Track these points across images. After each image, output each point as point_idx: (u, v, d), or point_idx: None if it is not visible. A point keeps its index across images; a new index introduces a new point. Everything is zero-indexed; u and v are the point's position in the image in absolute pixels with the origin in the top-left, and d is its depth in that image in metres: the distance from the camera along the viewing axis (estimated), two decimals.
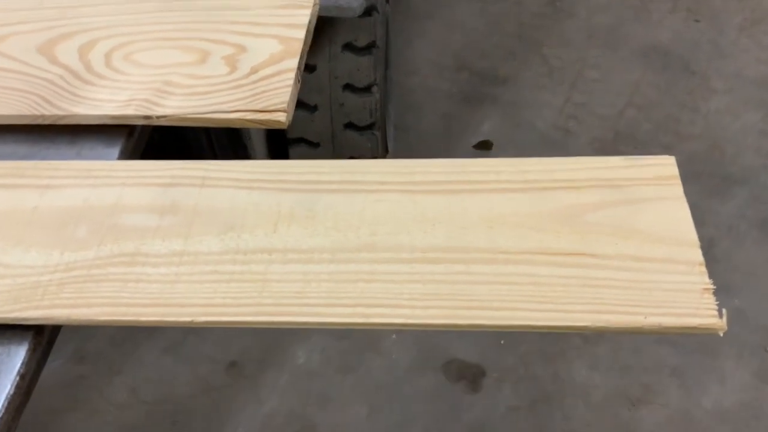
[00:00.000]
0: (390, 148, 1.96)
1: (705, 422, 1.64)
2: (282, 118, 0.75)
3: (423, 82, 2.31)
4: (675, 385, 1.68)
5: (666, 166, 0.66)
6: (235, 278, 0.61)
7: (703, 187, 2.02)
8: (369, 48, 1.66)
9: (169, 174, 0.70)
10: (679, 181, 0.65)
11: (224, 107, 0.76)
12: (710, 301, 0.57)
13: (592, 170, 0.66)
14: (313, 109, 1.74)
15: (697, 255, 0.59)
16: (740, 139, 2.11)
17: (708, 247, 1.93)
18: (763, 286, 1.84)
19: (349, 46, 1.64)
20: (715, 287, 0.57)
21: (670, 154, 2.16)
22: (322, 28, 1.62)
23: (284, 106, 0.75)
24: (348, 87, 1.72)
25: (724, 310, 0.56)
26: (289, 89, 0.77)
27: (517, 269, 0.60)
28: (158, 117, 0.75)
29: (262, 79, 0.79)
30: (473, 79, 2.31)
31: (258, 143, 1.70)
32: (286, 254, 0.62)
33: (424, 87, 2.31)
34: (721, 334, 0.55)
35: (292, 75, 0.79)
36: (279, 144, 1.78)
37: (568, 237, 0.62)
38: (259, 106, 0.75)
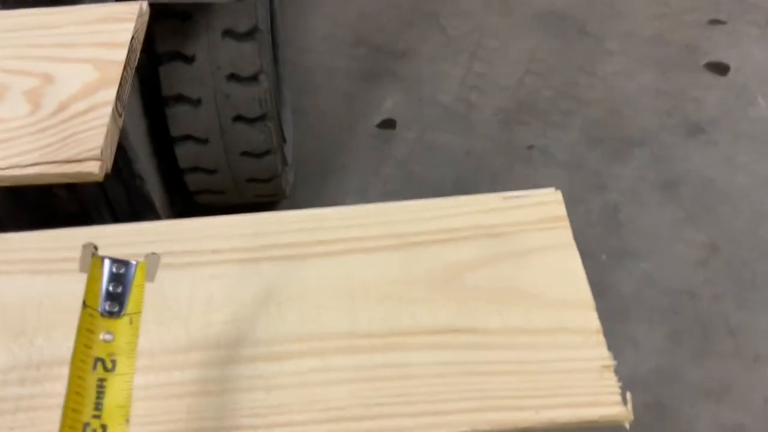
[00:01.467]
0: (288, 137, 1.79)
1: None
2: (94, 168, 0.58)
3: (319, 60, 2.14)
4: None
5: (551, 203, 0.53)
6: (23, 406, 0.45)
7: (605, 151, 1.93)
8: (251, 33, 1.47)
9: None
10: (566, 223, 0.52)
11: (22, 160, 0.59)
12: (611, 382, 0.45)
13: (470, 215, 0.53)
14: (197, 103, 1.55)
15: (593, 320, 0.47)
16: (637, 100, 2.03)
17: (613, 212, 1.85)
18: (668, 249, 1.77)
19: (229, 33, 1.45)
20: (616, 362, 0.45)
21: (571, 120, 2.03)
22: (198, 14, 1.43)
23: (97, 152, 0.59)
24: (233, 77, 1.53)
25: (629, 395, 0.44)
26: (104, 129, 0.61)
27: (384, 359, 0.46)
28: None
29: (71, 118, 0.61)
30: (371, 54, 2.15)
31: (142, 152, 1.51)
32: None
33: (321, 65, 2.13)
34: (627, 426, 0.44)
35: (108, 110, 0.62)
36: (164, 143, 1.59)
37: (445, 308, 0.48)
38: (64, 155, 0.59)
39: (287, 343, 0.47)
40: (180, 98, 1.52)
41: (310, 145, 1.95)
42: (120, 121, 0.62)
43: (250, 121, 1.59)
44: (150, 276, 0.41)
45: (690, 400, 1.58)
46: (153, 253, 0.41)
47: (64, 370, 0.44)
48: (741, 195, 1.85)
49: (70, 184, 1.52)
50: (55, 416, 0.42)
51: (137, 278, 0.40)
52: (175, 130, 1.57)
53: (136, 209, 1.57)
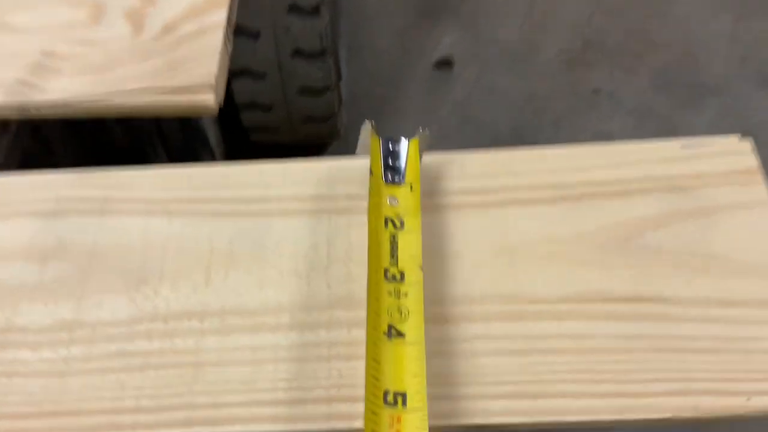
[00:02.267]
0: (343, 74, 1.71)
1: None
2: (209, 99, 0.52)
3: None
4: None
5: (741, 154, 0.46)
6: (152, 363, 0.40)
7: (676, 98, 1.83)
8: None
9: (53, 196, 0.47)
10: (761, 176, 0.45)
11: (126, 88, 0.52)
12: None
13: (643, 164, 0.46)
14: (255, 35, 1.47)
15: None
16: (711, 46, 1.91)
17: None
18: None
19: None
20: None
21: (640, 64, 1.92)
22: None
23: (211, 80, 0.52)
24: (293, 8, 1.44)
25: None
26: (217, 54, 0.54)
27: (558, 328, 0.40)
28: (37, 107, 0.52)
29: (179, 41, 0.55)
30: None
31: None
32: (225, 318, 0.42)
33: (378, 0, 2.03)
34: None
35: (220, 33, 0.55)
36: None
37: (625, 272, 0.42)
38: (173, 82, 0.52)
39: (448, 304, 0.41)
40: (238, 30, 1.44)
41: (364, 84, 1.86)
42: (230, 48, 0.55)
43: (310, 56, 1.51)
44: (423, 149, 0.46)
45: None
46: (422, 130, 0.46)
47: (195, 324, 0.38)
48: None
49: (123, 119, 1.47)
50: (187, 374, 0.37)
51: (411, 151, 0.45)
52: (233, 63, 1.49)
53: (191, 145, 1.51)
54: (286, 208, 0.46)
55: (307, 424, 0.37)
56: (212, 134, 1.56)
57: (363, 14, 1.97)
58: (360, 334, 0.40)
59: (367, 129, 0.46)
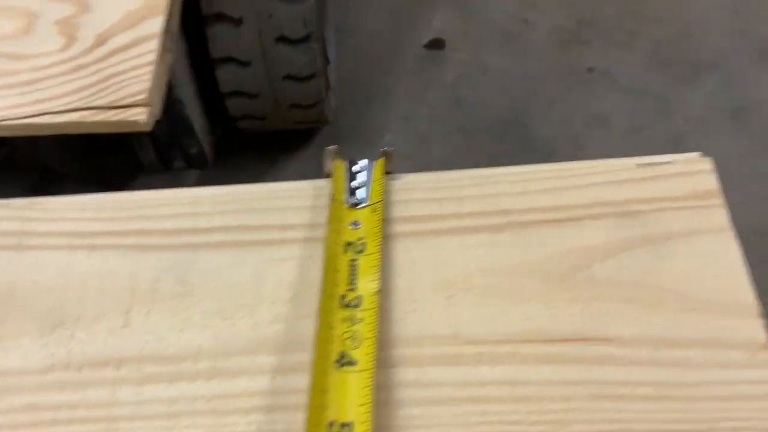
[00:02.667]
0: (331, 58, 1.66)
1: None
2: (141, 115, 0.49)
3: None
4: None
5: (699, 174, 0.43)
6: (61, 419, 0.37)
7: (672, 75, 1.78)
8: None
9: None
10: (720, 199, 0.42)
11: (56, 105, 0.49)
12: None
13: (594, 187, 0.42)
14: (238, 22, 1.43)
15: (758, 330, 0.37)
16: (707, 20, 1.85)
17: (678, 141, 1.71)
18: (735, 182, 1.64)
19: None
20: None
21: (635, 40, 1.86)
22: None
23: (143, 97, 0.49)
24: None
25: None
26: (151, 67, 0.51)
27: (495, 373, 0.37)
28: None
29: (111, 54, 0.52)
30: None
31: (182, 75, 1.40)
32: (143, 366, 0.39)
33: None
34: None
35: (155, 44, 0.52)
36: (204, 64, 1.48)
37: (568, 308, 0.39)
38: (105, 100, 0.49)
39: (381, 347, 0.38)
40: (220, 17, 1.40)
41: (353, 67, 1.82)
42: (169, 57, 0.52)
43: (294, 42, 1.47)
44: (390, 168, 0.45)
45: None
46: (388, 149, 0.45)
47: (110, 374, 0.36)
48: None
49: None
50: (99, 430, 0.34)
51: (376, 172, 0.44)
52: (216, 51, 1.45)
53: (176, 134, 1.48)
54: (214, 240, 0.43)
55: None
56: (198, 124, 1.53)
57: None
58: (283, 381, 0.38)
59: (329, 153, 0.45)
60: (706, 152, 1.53)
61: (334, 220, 0.41)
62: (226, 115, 1.55)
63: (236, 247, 0.42)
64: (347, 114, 1.73)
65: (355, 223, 0.40)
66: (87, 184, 1.51)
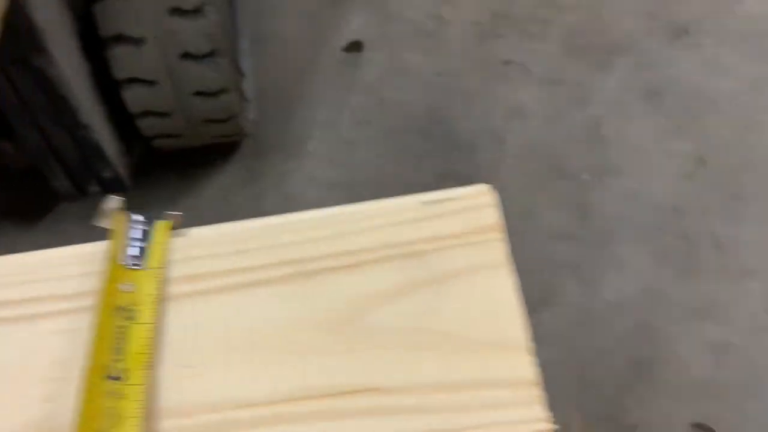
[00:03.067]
0: (246, 69, 1.64)
1: (607, 315, 1.50)
2: None
3: None
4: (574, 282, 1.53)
5: (482, 208, 0.42)
6: None
7: (586, 61, 1.79)
8: None
9: None
10: (500, 233, 0.42)
11: None
12: None
13: (379, 230, 0.42)
14: (139, 42, 1.40)
15: (528, 367, 0.37)
16: (618, 3, 1.86)
17: (595, 127, 1.73)
18: (653, 163, 1.67)
19: None
20: (557, 427, 0.35)
21: (549, 29, 1.86)
22: None
23: None
24: (176, 11, 1.37)
25: None
26: None
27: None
28: None
29: None
30: None
31: (85, 99, 1.38)
32: None
33: None
34: None
35: None
36: (110, 85, 1.45)
37: (343, 359, 0.38)
38: None
39: (156, 418, 0.37)
40: (120, 38, 1.37)
41: (272, 76, 1.80)
42: None
43: (199, 58, 1.44)
44: (177, 232, 0.43)
45: (677, 319, 1.51)
46: (175, 214, 0.44)
47: None
48: (728, 101, 1.73)
49: (11, 137, 1.41)
50: None
51: (158, 236, 0.42)
52: (119, 73, 1.43)
53: (87, 159, 1.46)
54: None
55: None
56: (110, 147, 1.51)
57: (266, 2, 1.90)
58: None
59: (110, 205, 0.43)
60: (624, 135, 1.54)
61: (106, 279, 0.40)
62: (140, 135, 1.53)
63: (4, 323, 0.41)
64: (269, 124, 1.71)
65: (129, 284, 0.39)
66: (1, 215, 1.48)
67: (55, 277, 0.42)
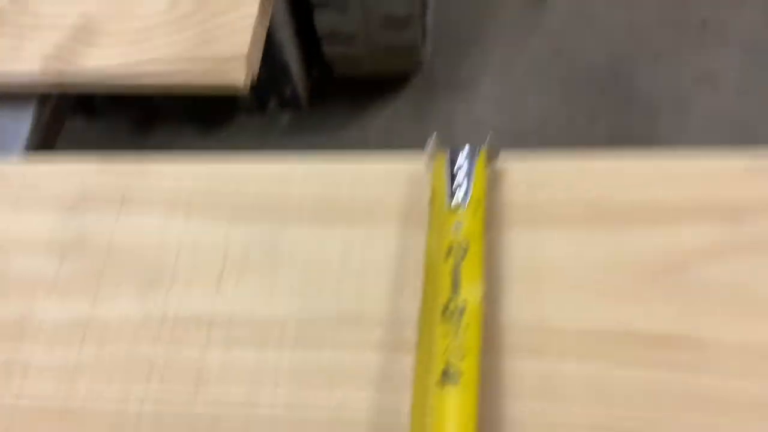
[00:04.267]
0: (429, 4, 1.62)
1: None
2: (239, 72, 0.49)
3: None
4: None
5: None
6: (157, 370, 0.39)
7: None
8: None
9: (77, 187, 0.46)
10: None
11: (162, 56, 0.50)
12: None
13: (700, 185, 0.40)
14: None
15: None
16: None
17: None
18: None
19: None
20: None
21: None
22: None
23: (243, 50, 0.49)
24: None
25: None
26: (250, 30, 0.51)
27: (576, 369, 0.36)
28: (72, 82, 0.50)
29: (213, 16, 0.52)
30: None
31: (281, 19, 1.40)
32: (231, 329, 0.40)
33: None
34: None
35: (254, 8, 0.52)
36: (303, 8, 1.47)
37: (662, 310, 0.37)
38: (206, 53, 0.49)
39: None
40: None
41: (452, 13, 1.77)
42: (267, 20, 0.52)
43: None
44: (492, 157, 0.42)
45: None
46: (493, 143, 0.41)
47: (194, 335, 0.37)
48: None
49: None
50: (187, 390, 0.36)
51: (479, 166, 0.40)
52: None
53: (273, 76, 1.50)
54: (303, 214, 0.43)
55: None
56: (294, 67, 1.54)
57: None
58: (363, 357, 0.38)
59: (432, 144, 0.42)
60: None
61: (435, 223, 0.39)
62: (322, 59, 1.55)
63: (323, 222, 0.42)
64: (442, 62, 1.69)
65: (457, 226, 0.38)
66: (185, 120, 1.55)
67: (371, 185, 0.43)
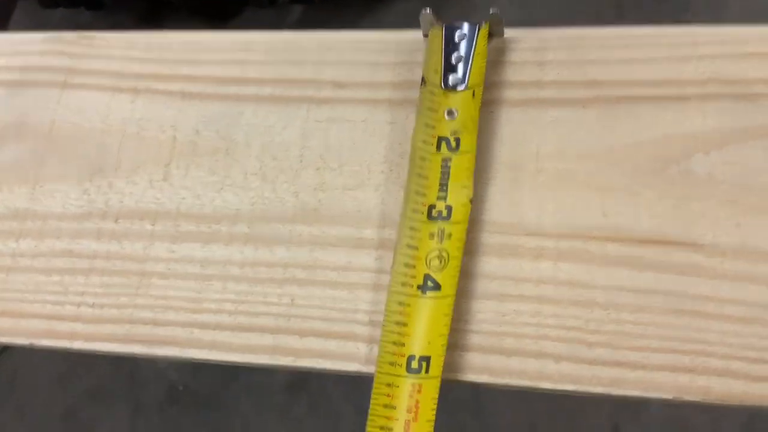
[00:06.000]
0: None
1: None
2: None
3: None
4: None
5: None
6: (97, 266, 0.36)
7: None
8: None
9: (20, 62, 0.42)
10: None
11: None
12: None
13: (711, 60, 0.34)
14: None
15: None
16: None
17: None
18: None
19: None
20: None
21: None
22: None
23: None
24: None
25: None
26: None
27: (552, 269, 0.32)
28: None
29: None
30: None
31: None
32: (178, 223, 0.36)
33: None
34: None
35: None
36: None
37: (654, 206, 0.33)
38: None
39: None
40: None
41: None
42: None
43: None
44: (498, 33, 0.36)
45: None
46: (495, 13, 0.35)
47: (148, 226, 0.33)
48: None
49: None
50: (130, 288, 0.32)
51: (479, 45, 0.34)
52: None
53: None
54: (262, 93, 0.38)
55: (247, 356, 0.33)
56: None
57: None
58: (321, 256, 0.34)
59: (426, 19, 0.36)
60: None
61: (426, 108, 0.34)
62: None
63: (285, 102, 0.38)
64: None
65: (451, 113, 0.33)
66: (193, 13, 1.48)
67: (341, 61, 0.38)
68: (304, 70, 0.38)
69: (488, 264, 0.33)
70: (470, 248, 0.33)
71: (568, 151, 0.34)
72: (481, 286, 0.32)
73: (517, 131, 0.35)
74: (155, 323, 0.34)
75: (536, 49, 0.36)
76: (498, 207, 0.34)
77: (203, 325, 0.34)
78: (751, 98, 0.33)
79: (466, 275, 0.33)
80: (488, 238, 0.33)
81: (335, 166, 0.36)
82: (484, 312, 0.32)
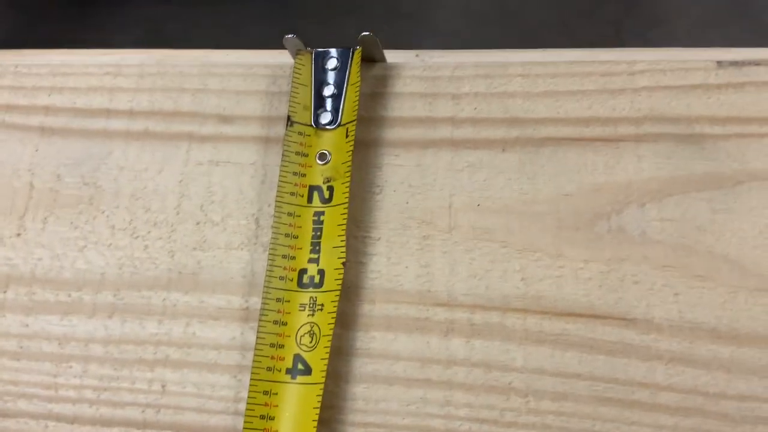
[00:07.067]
0: None
1: None
2: None
3: None
4: None
5: None
6: None
7: None
8: None
9: None
10: None
11: None
12: None
13: (651, 93, 0.30)
14: None
15: None
16: None
17: None
18: None
19: None
20: None
21: None
22: None
23: None
24: None
25: None
26: None
27: (464, 349, 0.28)
28: None
29: None
30: None
31: None
32: (33, 290, 0.30)
33: None
34: None
35: None
36: None
37: (581, 271, 0.28)
38: None
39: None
40: None
41: None
42: None
43: None
44: (378, 57, 0.31)
45: None
46: (367, 35, 0.30)
47: None
48: None
49: None
50: None
51: (352, 74, 0.30)
52: None
53: None
54: (133, 128, 0.33)
55: None
56: None
57: None
58: (199, 331, 0.29)
59: (291, 44, 0.31)
60: None
61: (292, 154, 0.29)
62: None
63: (161, 140, 0.32)
64: None
65: (324, 156, 0.29)
66: None
67: (223, 90, 0.32)
68: (183, 101, 0.32)
69: (391, 342, 0.28)
70: (368, 323, 0.28)
71: (485, 203, 0.29)
72: (384, 368, 0.28)
73: (426, 180, 0.30)
74: (5, 415, 0.29)
75: (450, 78, 0.31)
76: (407, 272, 0.29)
77: (59, 417, 0.29)
78: (693, 140, 0.29)
79: (361, 354, 0.28)
80: (390, 310, 0.28)
81: (218, 219, 0.31)
82: (385, 400, 0.27)
